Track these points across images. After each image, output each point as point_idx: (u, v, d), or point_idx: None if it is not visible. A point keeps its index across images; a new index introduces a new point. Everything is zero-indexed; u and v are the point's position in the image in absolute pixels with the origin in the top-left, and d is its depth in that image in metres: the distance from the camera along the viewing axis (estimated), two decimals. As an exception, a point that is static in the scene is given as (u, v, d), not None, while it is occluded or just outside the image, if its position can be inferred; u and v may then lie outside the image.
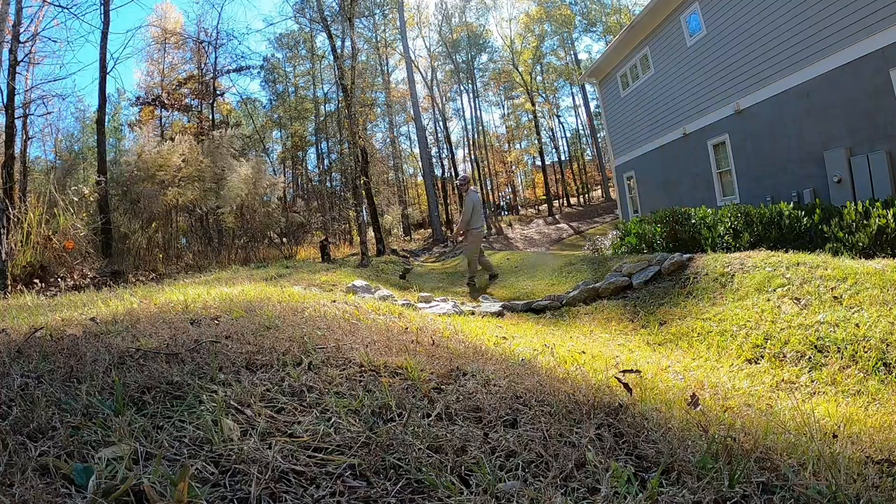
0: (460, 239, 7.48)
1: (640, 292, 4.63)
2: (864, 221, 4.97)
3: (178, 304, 2.43)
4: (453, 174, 33.37)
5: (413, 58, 26.22)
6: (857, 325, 2.85)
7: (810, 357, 2.79)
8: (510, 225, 28.98)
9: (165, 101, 20.40)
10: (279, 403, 1.22)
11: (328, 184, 28.24)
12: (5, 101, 9.17)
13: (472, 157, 34.23)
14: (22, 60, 9.87)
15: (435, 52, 32.10)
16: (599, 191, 36.23)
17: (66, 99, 20.26)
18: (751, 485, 1.01)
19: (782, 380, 2.65)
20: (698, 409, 1.61)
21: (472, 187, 7.37)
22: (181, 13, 31.16)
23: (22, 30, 9.72)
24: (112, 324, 1.98)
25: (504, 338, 2.82)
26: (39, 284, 6.28)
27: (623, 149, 13.50)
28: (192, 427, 1.06)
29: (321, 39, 24.73)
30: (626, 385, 1.62)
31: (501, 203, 41.59)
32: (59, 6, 10.54)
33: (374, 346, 1.81)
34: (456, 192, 8.06)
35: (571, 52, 33.09)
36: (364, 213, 14.71)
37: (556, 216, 29.40)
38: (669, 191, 11.20)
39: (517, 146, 39.97)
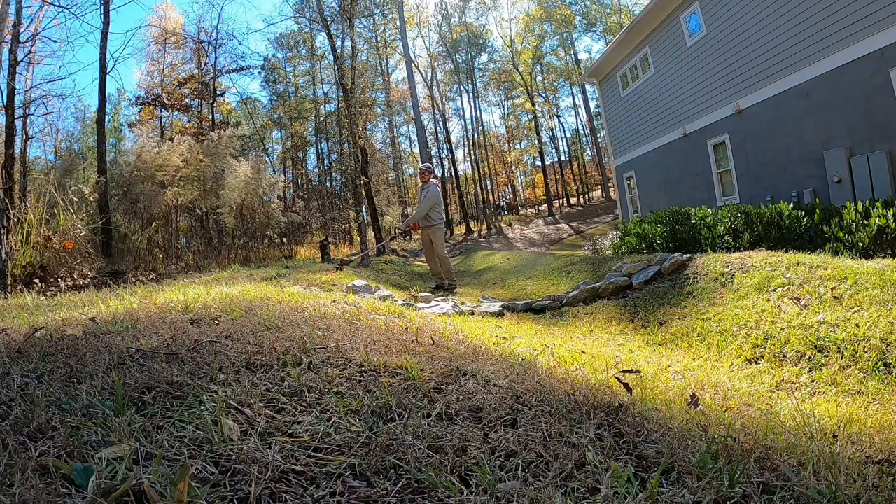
0: (400, 231, 7.07)
1: (640, 292, 4.62)
2: (864, 221, 4.97)
3: (178, 304, 2.43)
4: (453, 174, 33.43)
5: (413, 58, 26.21)
6: (857, 325, 2.85)
7: (810, 357, 2.79)
8: (510, 225, 29.00)
9: (165, 101, 20.41)
10: (279, 403, 1.22)
11: (328, 184, 28.26)
12: (5, 101, 9.16)
13: (472, 157, 34.26)
14: (22, 60, 9.87)
15: (435, 52, 32.15)
16: (599, 191, 36.27)
17: (66, 99, 20.30)
18: (751, 485, 1.01)
19: (782, 380, 2.65)
20: (698, 409, 1.61)
21: (433, 179, 6.89)
22: (181, 13, 31.22)
23: (22, 30, 9.72)
24: (112, 324, 1.98)
25: (504, 338, 2.82)
26: (39, 284, 6.28)
27: (623, 149, 13.51)
28: (192, 427, 1.06)
29: (321, 39, 24.78)
30: (626, 385, 1.62)
31: (501, 203, 41.60)
32: (59, 6, 10.55)
33: (374, 346, 1.80)
34: (421, 185, 6.94)
35: (571, 52, 33.16)
36: (364, 213, 14.71)
37: (556, 216, 29.42)
38: (669, 191, 11.20)
39: (517, 146, 40.03)
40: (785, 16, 7.44)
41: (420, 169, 7.00)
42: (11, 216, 7.17)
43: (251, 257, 12.77)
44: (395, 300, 4.52)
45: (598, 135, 31.57)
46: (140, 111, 21.93)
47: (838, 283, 3.36)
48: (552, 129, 37.18)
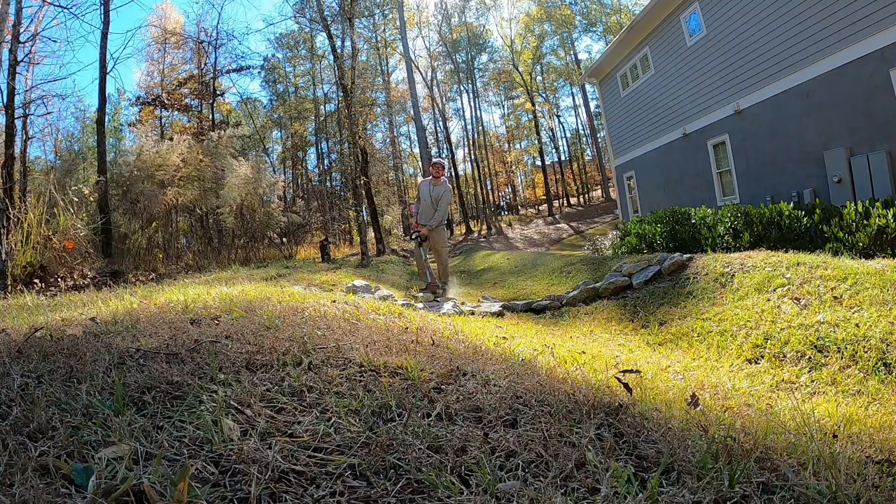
0: (424, 232, 6.37)
1: (640, 292, 4.62)
2: (864, 221, 4.97)
3: (178, 304, 2.43)
4: (453, 174, 33.37)
5: (413, 58, 26.20)
6: (857, 325, 2.85)
7: (810, 357, 2.79)
8: (510, 225, 28.99)
9: (165, 101, 20.42)
10: (279, 403, 1.22)
11: (328, 184, 28.26)
12: (5, 101, 9.17)
13: (472, 157, 34.25)
14: (22, 60, 9.88)
15: (435, 52, 32.15)
16: (599, 191, 36.25)
17: (66, 99, 20.30)
18: (751, 485, 1.01)
19: (782, 380, 2.65)
20: (698, 409, 1.61)
21: (444, 177, 6.36)
22: (181, 13, 31.22)
23: (22, 30, 9.72)
24: (112, 324, 1.98)
25: (504, 338, 2.82)
26: (39, 284, 6.28)
27: (623, 149, 13.50)
28: (192, 427, 1.06)
29: (321, 39, 24.76)
30: (626, 385, 1.62)
31: (501, 203, 41.60)
32: (59, 6, 10.56)
33: (374, 346, 1.80)
34: (428, 180, 6.40)
35: (571, 52, 33.13)
36: (364, 213, 14.71)
37: (556, 216, 29.41)
38: (669, 191, 11.20)
39: (517, 146, 40.01)
40: (785, 16, 7.44)
41: (434, 164, 6.47)
42: (11, 216, 7.17)
43: (251, 257, 12.78)
44: (395, 300, 4.52)
45: (598, 135, 31.55)
46: (140, 111, 21.94)
47: (838, 283, 3.36)
48: (552, 129, 37.18)
